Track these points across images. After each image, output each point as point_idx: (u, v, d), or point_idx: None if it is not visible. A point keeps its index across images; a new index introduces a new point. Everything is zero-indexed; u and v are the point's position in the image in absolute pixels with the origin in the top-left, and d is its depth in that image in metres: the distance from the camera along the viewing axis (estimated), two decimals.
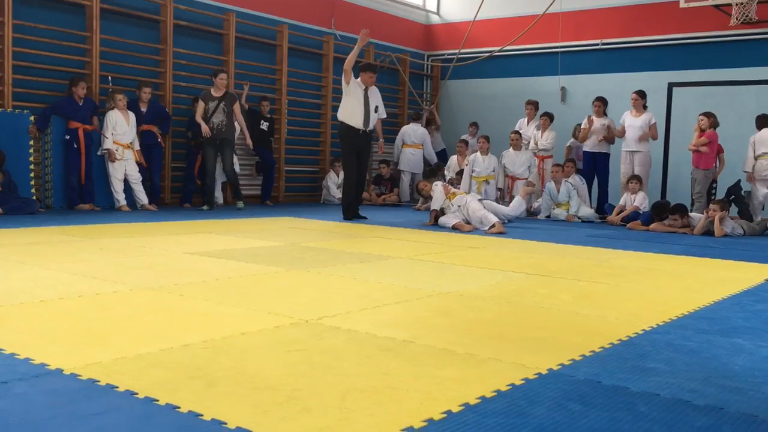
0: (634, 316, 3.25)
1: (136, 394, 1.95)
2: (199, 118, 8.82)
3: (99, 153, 8.49)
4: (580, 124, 10.09)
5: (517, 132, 10.28)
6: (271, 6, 10.95)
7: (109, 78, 8.92)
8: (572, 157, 10.11)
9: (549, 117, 10.35)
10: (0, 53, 7.83)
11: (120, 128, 8.44)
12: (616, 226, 8.67)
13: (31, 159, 7.99)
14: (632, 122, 9.39)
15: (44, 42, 8.27)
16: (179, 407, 1.86)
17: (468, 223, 7.48)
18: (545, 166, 10.20)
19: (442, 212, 7.75)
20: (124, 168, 8.53)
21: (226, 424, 1.76)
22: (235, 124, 9.12)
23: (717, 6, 9.84)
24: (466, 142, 11.10)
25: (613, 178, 9.96)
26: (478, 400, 1.99)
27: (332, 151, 11.57)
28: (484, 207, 7.60)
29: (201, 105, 8.86)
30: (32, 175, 7.96)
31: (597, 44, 11.88)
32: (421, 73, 13.84)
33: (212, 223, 7.18)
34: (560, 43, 12.02)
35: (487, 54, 12.03)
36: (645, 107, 9.45)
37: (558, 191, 9.41)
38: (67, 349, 2.38)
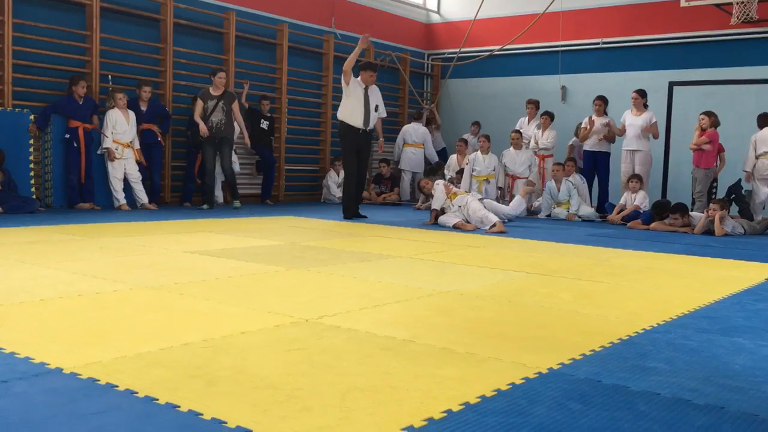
0: (634, 315, 3.24)
1: (136, 393, 1.95)
2: (197, 118, 8.81)
3: (99, 152, 8.49)
4: (581, 124, 10.09)
5: (518, 131, 10.28)
6: (271, 5, 10.94)
7: (109, 77, 8.91)
8: (574, 156, 10.10)
9: (549, 116, 10.35)
10: (0, 52, 7.83)
11: (120, 127, 8.44)
12: (616, 225, 8.67)
13: (31, 158, 7.99)
14: (633, 121, 9.39)
15: (44, 41, 8.26)
16: (179, 406, 1.86)
17: (468, 222, 7.48)
18: (546, 165, 10.19)
19: (442, 211, 7.75)
20: (124, 167, 8.52)
21: (226, 423, 1.75)
22: (235, 123, 9.11)
23: (717, 5, 9.84)
24: (465, 141, 11.10)
25: (613, 178, 9.96)
26: (479, 400, 1.99)
27: (332, 150, 11.57)
28: (485, 207, 7.59)
29: (199, 104, 8.85)
30: (32, 174, 7.96)
31: (597, 43, 11.88)
32: (421, 72, 13.84)
33: (212, 222, 7.18)
34: (561, 42, 12.01)
35: (488, 53, 12.02)
36: (646, 106, 9.44)
37: (558, 190, 9.41)
38: (67, 348, 2.38)
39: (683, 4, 9.82)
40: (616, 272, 4.57)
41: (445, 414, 1.87)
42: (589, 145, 9.87)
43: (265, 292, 3.51)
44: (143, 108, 8.82)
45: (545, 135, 10.29)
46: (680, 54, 11.15)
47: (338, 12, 11.99)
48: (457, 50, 12.32)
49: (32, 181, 7.94)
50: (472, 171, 9.86)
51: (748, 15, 9.33)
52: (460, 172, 10.20)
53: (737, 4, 9.37)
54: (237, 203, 9.09)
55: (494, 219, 7.26)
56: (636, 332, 2.88)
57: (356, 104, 8.05)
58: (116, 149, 8.43)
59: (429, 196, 8.60)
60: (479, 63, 12.18)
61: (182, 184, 9.56)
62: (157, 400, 1.90)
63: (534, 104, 10.74)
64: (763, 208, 8.86)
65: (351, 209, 8.17)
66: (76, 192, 8.31)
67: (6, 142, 7.59)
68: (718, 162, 9.05)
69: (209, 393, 1.97)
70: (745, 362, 2.50)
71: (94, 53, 8.63)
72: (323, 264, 4.48)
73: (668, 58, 11.23)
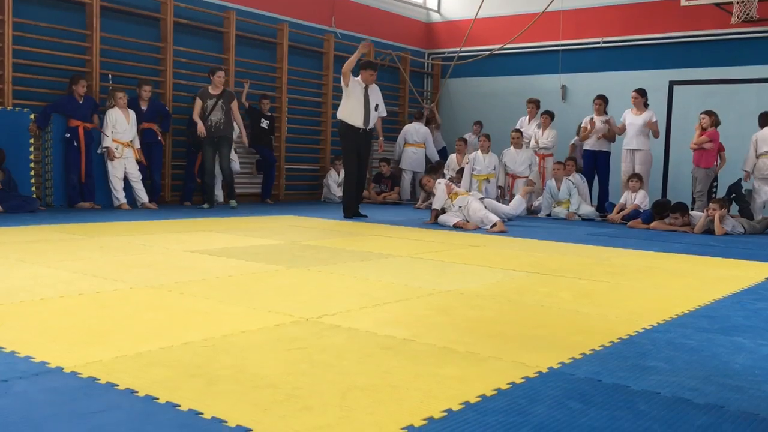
0: (634, 314, 3.24)
1: (137, 392, 1.95)
2: (196, 117, 8.81)
3: (99, 151, 8.48)
4: (582, 123, 10.09)
5: (518, 130, 10.28)
6: (271, 4, 10.94)
7: (110, 76, 8.91)
8: (575, 155, 10.10)
9: (550, 115, 10.35)
10: (0, 51, 7.83)
11: (120, 126, 8.44)
12: (616, 224, 8.67)
13: (32, 157, 7.99)
14: (633, 120, 9.38)
15: (44, 40, 8.26)
16: (179, 405, 1.86)
17: (468, 222, 7.47)
18: (546, 165, 10.19)
19: (443, 211, 7.75)
20: (124, 166, 8.52)
21: (226, 422, 1.76)
22: (234, 122, 9.11)
23: (718, 4, 9.83)
24: (465, 141, 11.10)
25: (613, 177, 9.95)
26: (479, 399, 1.99)
27: (332, 149, 11.57)
28: (485, 207, 7.59)
29: (198, 103, 8.85)
30: (32, 173, 7.96)
31: (598, 42, 11.87)
32: (421, 71, 13.83)
33: (212, 221, 7.18)
34: (561, 41, 12.01)
35: (488, 52, 12.02)
36: (646, 105, 9.44)
37: (559, 189, 9.41)
38: (68, 348, 2.38)
39: (683, 3, 9.81)
40: (616, 271, 4.57)
41: (445, 413, 1.87)
42: (589, 145, 9.86)
43: (265, 292, 3.51)
44: (143, 107, 8.82)
45: (545, 134, 10.29)
46: (680, 53, 11.15)
47: (338, 11, 11.99)
48: (458, 49, 12.32)
49: (32, 181, 7.94)
50: (473, 170, 9.86)
51: (748, 14, 9.33)
52: (460, 171, 10.20)
53: (737, 3, 9.37)
54: (233, 203, 9.06)
55: (495, 219, 7.26)
56: (636, 331, 2.88)
57: (356, 104, 8.05)
58: (116, 148, 8.43)
59: (430, 194, 8.59)
60: (479, 62, 12.17)
61: (182, 183, 9.56)
62: (158, 399, 1.90)
63: (534, 104, 10.74)
64: (764, 208, 8.85)
65: (351, 208, 8.17)
66: (77, 191, 8.31)
67: (6, 142, 7.59)
68: (719, 161, 9.05)
69: (209, 392, 1.97)
70: (745, 361, 2.50)
71: (95, 52, 8.63)
72: (323, 263, 4.48)
73: (668, 58, 11.22)
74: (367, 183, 10.63)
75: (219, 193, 9.59)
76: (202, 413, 1.81)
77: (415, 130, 11.76)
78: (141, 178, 8.68)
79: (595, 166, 9.87)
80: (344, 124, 8.14)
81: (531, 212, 9.71)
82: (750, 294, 3.92)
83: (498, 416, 1.87)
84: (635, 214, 8.61)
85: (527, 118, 10.78)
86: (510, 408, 1.93)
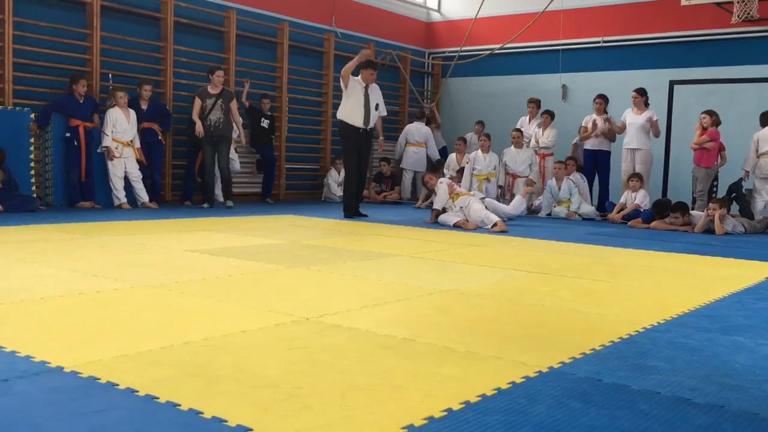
0: (634, 314, 3.24)
1: (137, 391, 1.95)
2: (195, 116, 8.80)
3: (99, 150, 8.49)
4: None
5: (519, 130, 10.28)
6: (271, 4, 10.94)
7: (110, 76, 8.91)
8: (577, 154, 10.09)
9: (550, 115, 10.34)
10: (0, 51, 7.83)
11: (120, 126, 8.44)
12: (616, 224, 8.67)
13: (32, 156, 7.99)
14: (633, 120, 9.38)
15: (45, 39, 8.26)
16: (180, 405, 1.86)
17: (468, 221, 7.47)
18: (546, 164, 10.19)
19: (443, 211, 7.75)
20: (124, 166, 8.52)
21: (226, 421, 1.76)
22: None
23: (718, 3, 9.82)
24: (464, 140, 11.09)
25: (614, 176, 9.95)
26: (479, 398, 1.99)
27: (333, 148, 11.56)
28: (486, 207, 7.59)
29: (197, 103, 8.83)
30: (33, 172, 7.96)
31: (598, 42, 11.87)
32: (421, 70, 13.83)
33: (213, 220, 7.18)
34: (561, 40, 12.00)
35: (488, 52, 12.02)
36: (647, 105, 9.43)
37: (559, 189, 9.41)
38: (68, 347, 2.38)
39: (684, 2, 9.80)
40: (617, 271, 4.57)
41: (445, 413, 1.87)
42: (589, 144, 9.86)
43: (265, 291, 3.51)
44: (144, 107, 8.81)
45: (546, 134, 10.29)
46: (681, 53, 11.15)
47: (339, 11, 11.99)
48: (458, 49, 12.32)
49: (33, 180, 7.94)
50: (473, 170, 9.86)
51: (748, 14, 9.32)
52: (460, 171, 10.20)
53: (738, 2, 9.36)
54: (229, 203, 9.00)
55: (495, 218, 7.26)
56: (636, 331, 2.88)
57: (356, 104, 8.05)
58: (116, 148, 8.43)
59: (432, 192, 8.57)
60: (480, 62, 12.17)
61: (183, 182, 9.56)
62: (158, 398, 1.90)
63: (535, 103, 10.74)
64: (764, 207, 8.85)
65: (352, 208, 8.17)
66: (77, 191, 8.31)
67: (6, 141, 7.59)
68: (719, 160, 9.05)
69: (210, 392, 1.97)
70: (745, 361, 2.50)
71: (95, 52, 8.62)
72: (324, 263, 4.48)
73: (669, 57, 11.22)
74: (367, 182, 10.62)
75: (219, 193, 9.58)
76: (202, 413, 1.81)
77: (416, 129, 11.75)
78: (141, 177, 8.67)
79: (595, 165, 9.87)
80: (344, 124, 8.13)
81: (531, 212, 9.70)
82: (750, 293, 3.91)
83: (498, 416, 1.87)
84: (635, 213, 8.61)
85: (528, 117, 10.78)
86: (510, 407, 1.93)
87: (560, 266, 4.70)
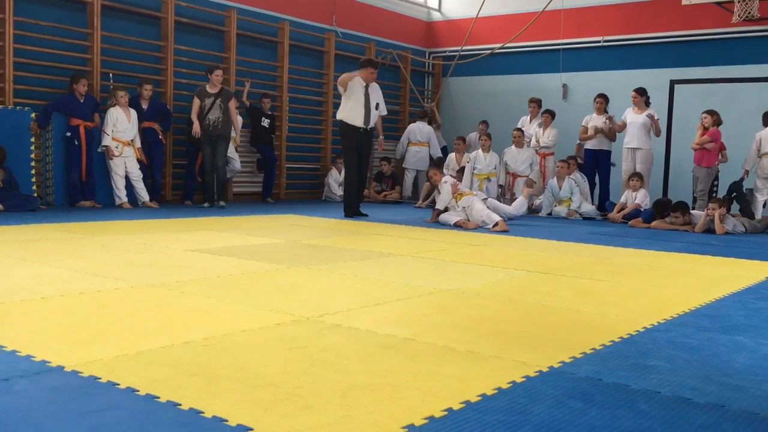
0: (635, 313, 3.24)
1: (137, 391, 1.95)
2: (193, 116, 8.78)
3: (99, 150, 8.49)
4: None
5: (520, 129, 10.28)
6: (272, 3, 10.94)
7: (111, 75, 8.91)
8: (581, 154, 10.09)
9: (550, 114, 10.34)
10: (1, 50, 7.83)
11: (121, 125, 8.44)
12: (617, 223, 8.67)
13: (32, 156, 7.99)
14: (634, 119, 9.37)
15: (45, 39, 8.26)
16: (180, 404, 1.86)
17: (469, 221, 7.47)
18: (547, 164, 10.19)
19: (445, 210, 7.74)
20: (125, 165, 8.53)
21: (227, 421, 1.76)
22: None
23: (719, 3, 9.82)
24: (463, 140, 11.09)
25: (614, 176, 9.95)
26: (479, 398, 1.99)
27: (333, 148, 11.56)
28: (488, 207, 7.58)
29: (196, 102, 8.82)
30: (33, 172, 7.96)
31: (599, 41, 11.86)
32: (422, 70, 13.83)
33: (213, 220, 7.18)
34: (562, 40, 12.00)
35: (489, 51, 12.01)
36: (648, 104, 9.42)
37: (560, 188, 9.41)
38: (69, 346, 2.38)
39: (684, 2, 9.79)
40: (617, 271, 4.57)
41: (445, 412, 1.87)
42: (590, 144, 9.86)
43: (266, 291, 3.51)
44: (144, 106, 8.81)
45: (546, 133, 10.28)
46: (681, 52, 11.14)
47: (339, 10, 11.98)
48: (459, 48, 12.31)
49: (33, 179, 7.94)
50: (473, 169, 9.87)
51: (749, 13, 9.31)
52: (461, 170, 10.19)
53: (738, 2, 9.35)
54: (222, 203, 8.91)
55: (497, 218, 7.26)
56: (637, 331, 2.88)
57: (357, 104, 8.05)
58: (116, 147, 8.43)
59: (434, 188, 8.52)
60: (480, 61, 12.16)
61: (183, 182, 9.56)
62: (158, 398, 1.90)
63: (536, 103, 10.74)
64: (764, 207, 8.85)
65: (352, 207, 8.17)
66: (77, 190, 8.31)
67: (7, 140, 7.59)
68: (720, 157, 9.03)
69: (210, 391, 1.97)
70: (745, 361, 2.50)
71: (96, 51, 8.62)
72: (324, 262, 4.48)
73: (669, 56, 11.21)
74: (368, 182, 10.62)
75: None
76: (202, 412, 1.81)
77: (418, 129, 11.75)
78: (142, 177, 8.67)
79: (596, 165, 9.87)
80: (344, 124, 8.14)
81: (532, 211, 9.70)
82: (751, 293, 3.91)
83: (498, 415, 1.87)
84: (636, 213, 8.61)
85: (529, 117, 10.78)
86: (510, 407, 1.93)
87: (561, 266, 4.70)
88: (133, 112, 8.58)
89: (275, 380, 2.08)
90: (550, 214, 9.51)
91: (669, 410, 1.95)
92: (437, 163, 10.42)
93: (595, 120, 9.80)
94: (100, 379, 2.05)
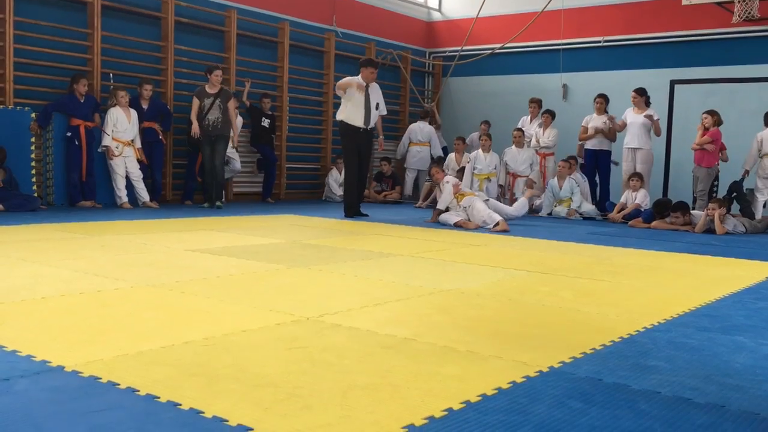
0: (635, 313, 3.24)
1: (138, 391, 1.95)
2: (192, 117, 8.77)
3: (99, 150, 8.49)
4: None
5: (520, 129, 10.28)
6: (272, 3, 10.94)
7: (111, 75, 8.91)
8: (583, 154, 10.10)
9: (551, 114, 10.34)
10: (1, 50, 7.83)
11: (121, 125, 8.44)
12: (617, 223, 8.67)
13: (33, 156, 7.99)
14: (634, 119, 9.37)
15: (46, 39, 8.26)
16: (180, 404, 1.86)
17: (470, 221, 7.46)
18: (547, 164, 10.19)
19: (446, 210, 7.74)
20: (125, 165, 8.52)
21: (227, 421, 1.76)
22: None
23: (719, 3, 9.82)
24: (463, 140, 11.09)
25: (614, 176, 9.95)
26: (479, 398, 1.99)
27: (333, 148, 11.57)
28: (489, 207, 7.57)
29: (196, 102, 8.80)
30: (33, 172, 7.96)
31: (599, 41, 11.86)
32: (422, 70, 13.83)
33: (213, 220, 7.18)
34: (562, 40, 12.00)
35: (489, 51, 12.01)
36: (648, 104, 9.42)
37: (561, 188, 9.41)
38: (69, 346, 2.38)
39: (685, 2, 9.79)
40: (617, 271, 4.57)
41: (445, 412, 1.87)
42: (590, 144, 9.86)
43: (266, 291, 3.51)
44: (144, 106, 8.81)
45: (546, 133, 10.28)
46: (681, 52, 11.14)
47: (339, 10, 11.99)
48: (459, 48, 12.31)
49: (34, 179, 7.94)
50: (474, 169, 9.87)
51: (749, 13, 9.31)
52: (461, 170, 10.19)
53: (738, 2, 9.35)
54: (218, 203, 8.89)
55: (498, 218, 7.25)
56: (637, 331, 2.88)
57: (357, 104, 8.04)
58: (116, 147, 8.43)
59: (436, 186, 8.50)
60: (480, 61, 12.16)
61: (183, 182, 9.56)
62: (159, 398, 1.91)
63: (537, 103, 10.74)
64: (764, 207, 8.85)
65: (352, 207, 8.17)
66: (78, 190, 8.32)
67: (7, 140, 7.59)
68: (720, 155, 9.03)
69: (210, 391, 1.97)
70: (745, 361, 2.50)
71: (96, 51, 8.63)
72: (324, 262, 4.48)
73: (670, 57, 11.21)
74: (368, 182, 10.62)
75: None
76: (203, 412, 1.81)
77: (419, 129, 11.75)
78: (142, 177, 8.67)
79: (596, 165, 9.87)
80: (344, 124, 8.14)
81: (532, 211, 9.70)
82: (751, 293, 3.91)
83: (499, 415, 1.87)
84: (636, 213, 8.61)
85: (529, 117, 10.78)
86: (511, 407, 1.93)
87: (561, 266, 4.70)
88: (134, 112, 8.58)
89: (275, 380, 2.08)
90: (550, 214, 9.51)
91: (669, 410, 1.96)
92: (438, 162, 10.41)
93: (595, 120, 9.80)
94: (100, 379, 2.05)
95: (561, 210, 9.36)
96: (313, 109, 11.73)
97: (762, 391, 2.15)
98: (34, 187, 7.94)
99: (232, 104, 8.97)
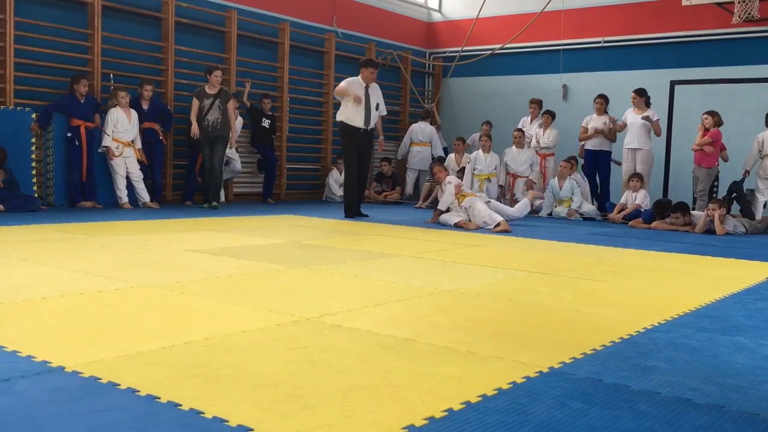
0: (635, 314, 3.24)
1: (138, 391, 1.95)
2: (192, 117, 8.76)
3: (99, 150, 8.49)
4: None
5: (521, 130, 10.28)
6: (272, 4, 10.94)
7: (111, 75, 8.91)
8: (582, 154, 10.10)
9: (551, 115, 10.34)
10: (2, 51, 7.84)
11: (121, 126, 8.44)
12: (617, 224, 8.67)
13: (33, 156, 7.99)
14: (634, 120, 9.37)
15: (46, 39, 8.27)
16: (181, 405, 1.86)
17: (470, 221, 7.46)
18: (547, 164, 10.19)
19: (446, 210, 7.73)
20: (126, 165, 8.53)
21: (227, 421, 1.76)
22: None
23: (719, 4, 9.82)
24: (463, 140, 11.09)
25: (614, 177, 9.95)
26: (480, 398, 1.99)
27: (334, 148, 11.57)
28: (490, 209, 7.57)
29: (195, 103, 8.79)
30: (34, 172, 7.97)
31: (599, 42, 11.86)
32: (422, 71, 13.83)
33: (213, 220, 7.18)
34: (562, 40, 12.00)
35: (489, 52, 12.01)
36: (648, 104, 9.42)
37: (561, 188, 9.41)
38: (69, 347, 2.38)
39: (684, 2, 9.79)
40: (617, 271, 4.57)
41: (446, 413, 1.87)
42: (590, 144, 9.86)
43: (266, 291, 3.51)
44: (145, 107, 8.82)
45: (546, 134, 10.29)
46: (681, 53, 11.14)
47: (340, 11, 11.99)
48: (459, 49, 12.32)
49: (34, 180, 7.95)
50: (474, 170, 9.87)
51: (749, 14, 9.31)
52: (460, 171, 10.19)
53: (738, 2, 9.35)
54: (215, 203, 8.86)
55: (499, 218, 7.25)
56: (637, 331, 2.88)
57: (357, 107, 8.03)
58: (116, 148, 8.43)
59: (437, 185, 8.47)
60: (481, 62, 12.16)
61: (183, 182, 9.56)
62: (159, 398, 1.91)
63: (537, 104, 10.74)
64: (765, 207, 8.85)
65: (353, 208, 8.17)
66: (78, 190, 8.32)
67: (8, 141, 7.59)
68: (720, 151, 9.03)
69: (211, 391, 1.97)
70: (746, 361, 2.50)
71: (96, 52, 8.63)
72: (324, 263, 4.48)
73: (670, 57, 11.21)
74: (368, 182, 10.62)
75: (221, 193, 9.57)
76: (203, 413, 1.81)
77: (420, 129, 11.75)
78: (142, 177, 8.68)
79: (596, 165, 9.87)
80: (344, 125, 8.14)
81: (532, 211, 9.69)
82: (751, 294, 3.91)
83: (499, 416, 1.87)
84: (636, 213, 8.61)
85: (530, 118, 10.78)
86: (511, 408, 1.93)
87: (561, 266, 4.70)
88: (134, 113, 8.58)
89: (276, 381, 2.08)
90: (550, 214, 9.51)
91: (669, 411, 1.96)
92: (439, 162, 10.41)
93: (595, 121, 9.80)
94: (100, 379, 2.05)
95: (561, 210, 9.36)
96: (314, 110, 11.74)
97: (762, 392, 2.15)
98: (35, 188, 7.94)
99: (231, 105, 8.97)
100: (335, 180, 11.14)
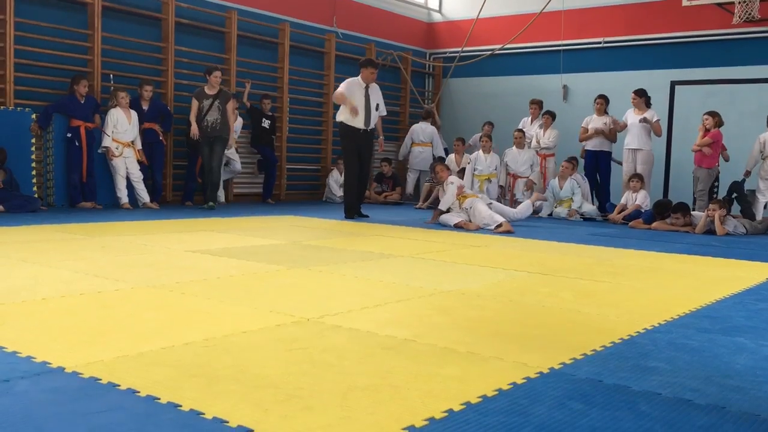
0: (635, 314, 3.24)
1: (138, 392, 1.95)
2: (192, 118, 8.76)
3: (99, 150, 8.49)
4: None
5: (521, 130, 10.28)
6: (272, 4, 10.94)
7: (111, 76, 8.91)
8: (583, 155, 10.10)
9: (551, 115, 10.34)
10: (2, 51, 7.84)
11: (121, 126, 8.44)
12: (617, 224, 8.67)
13: (33, 157, 7.99)
14: (634, 120, 9.37)
15: (46, 40, 8.27)
16: (181, 405, 1.86)
17: (470, 222, 7.46)
18: (547, 165, 10.20)
19: (447, 210, 7.73)
20: (126, 166, 8.53)
21: (227, 422, 1.76)
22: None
23: (719, 4, 9.83)
24: (462, 141, 11.09)
25: (614, 177, 9.95)
26: (480, 399, 1.99)
27: (334, 149, 11.57)
28: (492, 210, 7.56)
29: (195, 104, 8.78)
30: (34, 173, 7.97)
31: (599, 42, 11.86)
32: (422, 71, 13.83)
33: (213, 221, 7.18)
34: (563, 41, 12.00)
35: (489, 52, 12.01)
36: (648, 105, 9.42)
37: (561, 188, 9.41)
38: (69, 347, 2.38)
39: (685, 3, 9.80)
40: (618, 272, 4.56)
41: (446, 413, 1.87)
42: (590, 145, 9.86)
43: (266, 292, 3.51)
44: (145, 107, 8.81)
45: (546, 134, 10.29)
46: (682, 53, 11.14)
47: (340, 11, 11.99)
48: (459, 49, 12.32)
49: (34, 180, 7.95)
50: (474, 170, 9.86)
51: (749, 14, 9.32)
52: (460, 171, 10.19)
53: (739, 3, 9.36)
54: (211, 203, 8.80)
55: (500, 219, 7.24)
56: (637, 332, 2.88)
57: (357, 105, 8.02)
58: (116, 148, 8.43)
59: (438, 184, 8.45)
60: (481, 62, 12.16)
61: (184, 183, 9.56)
62: (159, 399, 1.90)
63: (537, 104, 10.74)
64: (765, 208, 8.85)
65: (353, 208, 8.17)
66: (78, 191, 8.32)
67: (8, 141, 7.59)
68: (721, 160, 9.04)
69: (211, 392, 1.97)
70: (746, 362, 2.50)
71: (96, 52, 8.63)
72: (324, 263, 4.48)
73: (670, 58, 11.21)
74: (369, 183, 10.62)
75: (221, 193, 9.58)
76: (203, 413, 1.81)
77: (421, 129, 11.75)
78: (142, 178, 8.68)
79: (596, 166, 9.87)
80: (344, 125, 8.13)
81: (532, 212, 9.69)
82: (751, 294, 3.91)
83: (499, 416, 1.87)
84: (636, 214, 8.61)
85: (530, 118, 10.78)
86: (511, 408, 1.93)
87: (561, 267, 4.70)
88: (134, 113, 8.58)
89: (276, 381, 2.08)
90: (550, 214, 9.51)
91: (670, 411, 1.95)
92: (440, 161, 10.41)
93: (595, 121, 9.80)
94: (100, 380, 2.05)
95: (561, 211, 9.37)
96: (314, 110, 11.74)
97: (762, 393, 2.15)
98: (35, 188, 7.94)
99: (230, 105, 8.97)
100: (335, 180, 11.14)
